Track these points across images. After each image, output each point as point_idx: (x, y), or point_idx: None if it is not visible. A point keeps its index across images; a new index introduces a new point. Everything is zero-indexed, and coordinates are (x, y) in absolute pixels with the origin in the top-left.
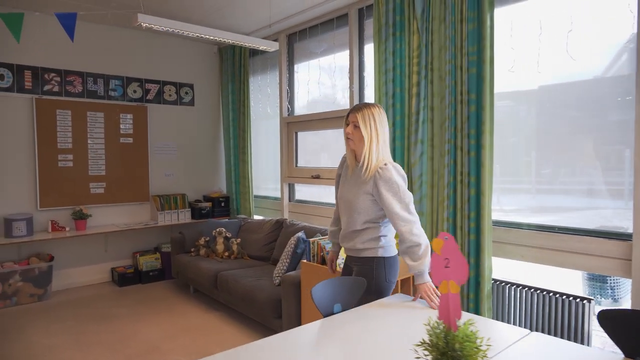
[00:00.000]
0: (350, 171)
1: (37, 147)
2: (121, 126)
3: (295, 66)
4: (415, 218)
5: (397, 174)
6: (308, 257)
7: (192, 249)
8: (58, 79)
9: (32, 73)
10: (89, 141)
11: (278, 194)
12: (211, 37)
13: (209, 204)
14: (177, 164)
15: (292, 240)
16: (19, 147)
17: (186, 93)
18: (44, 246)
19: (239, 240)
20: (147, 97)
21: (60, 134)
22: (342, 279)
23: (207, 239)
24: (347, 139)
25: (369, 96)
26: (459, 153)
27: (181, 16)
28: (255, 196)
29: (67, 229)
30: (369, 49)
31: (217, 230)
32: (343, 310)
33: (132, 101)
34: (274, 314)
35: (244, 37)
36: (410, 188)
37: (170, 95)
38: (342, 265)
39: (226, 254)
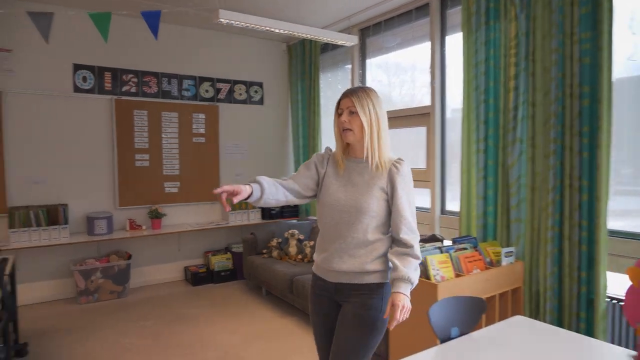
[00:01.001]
0: (342, 170)
1: (116, 147)
2: (193, 126)
3: (368, 61)
4: (416, 228)
5: (410, 174)
6: None
7: (265, 251)
8: (135, 79)
9: (112, 74)
10: (163, 141)
11: None
12: (283, 32)
13: None
14: (247, 164)
15: None
16: (100, 147)
17: (255, 92)
18: (123, 244)
19: (312, 243)
20: (219, 97)
21: (137, 134)
22: (460, 299)
23: (280, 240)
24: (344, 130)
25: (453, 91)
26: (567, 154)
27: (254, 13)
28: None
29: (144, 227)
30: (452, 40)
31: (290, 232)
32: (461, 334)
33: (204, 101)
34: None
35: (323, 32)
36: (507, 191)
37: (240, 94)
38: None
39: (299, 257)
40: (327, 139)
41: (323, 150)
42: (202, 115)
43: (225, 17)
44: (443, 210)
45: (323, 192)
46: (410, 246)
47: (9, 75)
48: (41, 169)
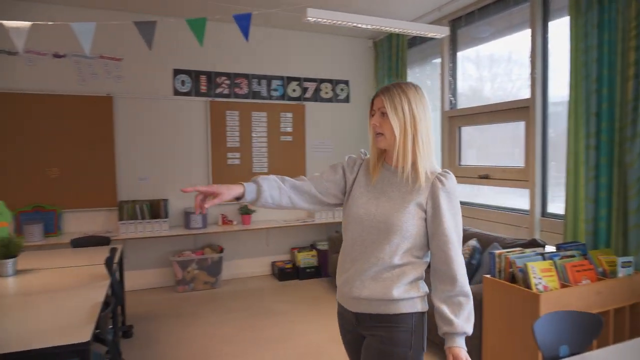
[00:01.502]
0: (374, 179)
1: (210, 146)
2: (281, 125)
3: (459, 54)
4: (464, 263)
5: (457, 191)
6: (492, 272)
7: None
8: (228, 81)
9: (207, 77)
10: (253, 140)
11: None
12: (370, 28)
13: None
14: (333, 161)
15: (466, 248)
16: (196, 146)
17: (341, 90)
18: (215, 238)
19: None
20: (305, 96)
21: (229, 133)
22: (572, 314)
23: None
24: (376, 134)
25: (557, 82)
26: None
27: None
28: None
29: (235, 222)
30: (555, 26)
31: None
32: (571, 354)
33: (292, 100)
34: None
35: (412, 24)
36: (624, 193)
37: (326, 92)
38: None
39: None
40: None
41: (364, 154)
42: (289, 114)
43: (313, 15)
44: (544, 213)
45: (350, 202)
46: (459, 283)
47: (118, 81)
48: (145, 167)
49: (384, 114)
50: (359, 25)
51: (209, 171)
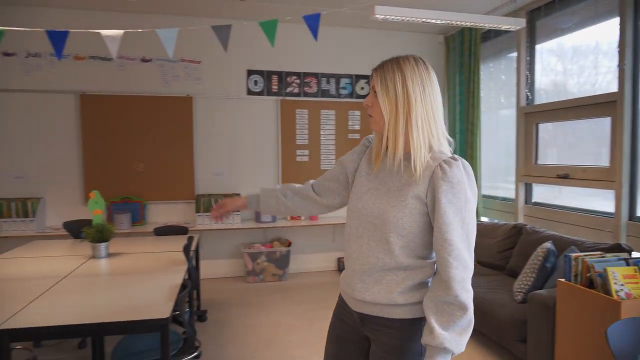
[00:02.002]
0: (377, 167)
1: (280, 143)
2: (349, 123)
3: (538, 47)
4: (473, 264)
5: (468, 180)
6: (568, 276)
7: None
8: (298, 81)
9: (278, 77)
10: (321, 137)
11: (509, 194)
12: (441, 22)
13: None
14: None
15: (540, 251)
16: (267, 144)
17: None
18: (284, 232)
19: None
20: None
21: (299, 131)
22: None
23: None
24: (368, 116)
25: None
26: None
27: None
28: (483, 195)
29: (302, 218)
30: None
31: None
32: None
33: (360, 98)
34: (517, 336)
35: (485, 17)
36: None
37: None
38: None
39: None
40: (487, 135)
41: (370, 140)
42: (357, 112)
43: (382, 12)
44: (632, 216)
45: (351, 193)
46: (453, 292)
47: (197, 83)
48: (220, 163)
49: (376, 93)
50: (429, 21)
51: (278, 168)
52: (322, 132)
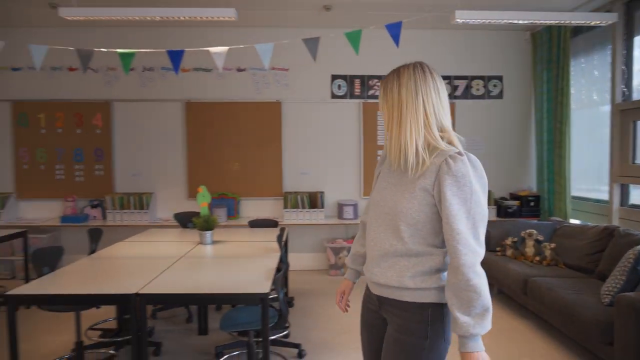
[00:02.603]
0: (396, 165)
1: (362, 145)
2: None
3: (637, 39)
4: (483, 250)
5: (475, 174)
6: None
7: (498, 248)
8: (379, 84)
9: (360, 81)
10: None
11: (602, 196)
12: (527, 22)
13: (516, 203)
14: (483, 159)
15: (631, 253)
16: (349, 145)
17: (494, 86)
18: None
19: (553, 245)
20: (455, 94)
21: (380, 132)
22: None
23: (515, 239)
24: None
25: None
26: None
27: (494, 6)
28: (573, 197)
29: None
30: None
31: (527, 231)
32: None
33: None
34: (603, 339)
35: (570, 15)
36: None
37: (477, 89)
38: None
39: (537, 258)
40: (578, 134)
41: None
42: None
43: (462, 17)
44: None
45: (373, 190)
46: (464, 276)
47: (286, 89)
48: (306, 163)
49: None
50: (511, 22)
51: (360, 167)
52: None
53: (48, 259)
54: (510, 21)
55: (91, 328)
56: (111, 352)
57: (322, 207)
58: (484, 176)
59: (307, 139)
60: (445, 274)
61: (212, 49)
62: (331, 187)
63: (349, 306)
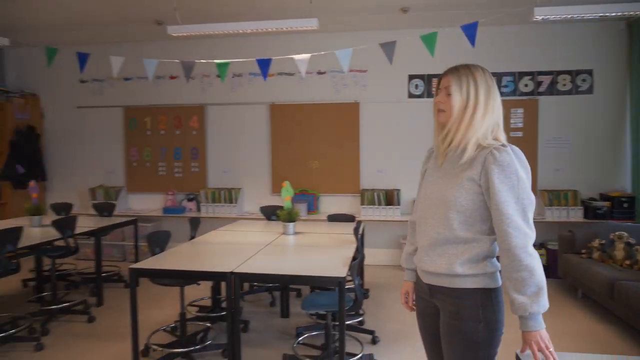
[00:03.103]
0: (442, 160)
1: None
2: (511, 121)
3: None
4: (534, 233)
5: (519, 163)
6: None
7: (584, 251)
8: None
9: (438, 80)
10: None
11: None
12: (617, 14)
13: (606, 204)
14: (568, 158)
15: None
16: (426, 142)
17: (583, 80)
18: None
19: None
20: (539, 90)
21: None
22: None
23: (603, 242)
24: (438, 111)
25: None
26: None
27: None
28: None
29: None
30: None
31: (617, 234)
32: None
33: (524, 95)
34: None
35: None
36: None
37: (564, 85)
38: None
39: (627, 262)
40: None
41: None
42: (520, 110)
43: (542, 14)
44: None
45: (421, 186)
46: (516, 257)
47: (364, 89)
48: (383, 161)
49: (449, 94)
50: (597, 15)
51: None
52: None
53: (159, 241)
54: (593, 15)
55: (190, 304)
56: (207, 324)
57: (398, 204)
58: (528, 166)
59: (383, 137)
60: (493, 260)
61: (296, 57)
62: (407, 184)
63: (415, 304)
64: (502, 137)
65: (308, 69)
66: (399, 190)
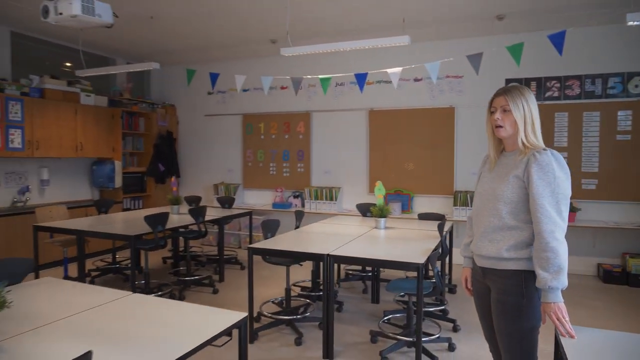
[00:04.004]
0: (493, 164)
1: None
2: (618, 123)
3: None
4: (564, 224)
5: (557, 164)
6: None
7: None
8: (558, 85)
9: (537, 83)
10: (583, 140)
11: None
12: None
13: None
14: None
15: None
16: None
17: None
18: None
19: None
20: (636, 92)
21: (557, 134)
22: None
23: None
24: (497, 127)
25: None
26: None
27: None
28: None
29: None
30: None
31: None
32: None
33: (634, 97)
34: None
35: None
36: None
37: None
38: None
39: None
40: None
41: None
42: (628, 112)
43: (635, 19)
44: None
45: (477, 187)
46: (544, 240)
47: (460, 95)
48: (478, 164)
49: (505, 111)
50: None
51: None
52: (584, 134)
53: (271, 228)
54: None
55: (294, 284)
56: (307, 301)
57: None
58: (566, 166)
59: (479, 141)
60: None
61: (390, 70)
62: None
63: (472, 287)
64: (541, 143)
65: (405, 76)
66: None
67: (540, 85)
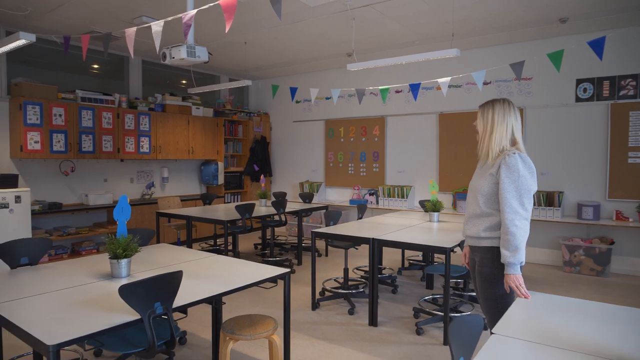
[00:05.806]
0: (483, 164)
1: (609, 146)
2: None
3: None
4: (526, 213)
5: (522, 164)
6: None
7: None
8: (634, 83)
9: (610, 82)
10: None
11: None
12: None
13: None
14: None
15: None
16: (593, 146)
17: None
18: (606, 231)
19: None
20: None
21: (632, 133)
22: None
23: None
24: (476, 132)
25: None
26: None
27: None
28: None
29: (630, 220)
30: None
31: None
32: None
33: None
34: None
35: None
36: None
37: None
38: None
39: None
40: None
41: None
42: None
43: None
44: None
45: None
46: (505, 226)
47: (529, 96)
48: (546, 163)
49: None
50: None
51: (606, 169)
52: None
53: (333, 217)
54: None
55: (356, 269)
56: (364, 280)
57: (559, 205)
58: (531, 166)
59: (548, 141)
60: None
61: (440, 80)
62: (571, 187)
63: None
64: (521, 147)
65: (471, 80)
66: (561, 192)
67: (614, 85)
